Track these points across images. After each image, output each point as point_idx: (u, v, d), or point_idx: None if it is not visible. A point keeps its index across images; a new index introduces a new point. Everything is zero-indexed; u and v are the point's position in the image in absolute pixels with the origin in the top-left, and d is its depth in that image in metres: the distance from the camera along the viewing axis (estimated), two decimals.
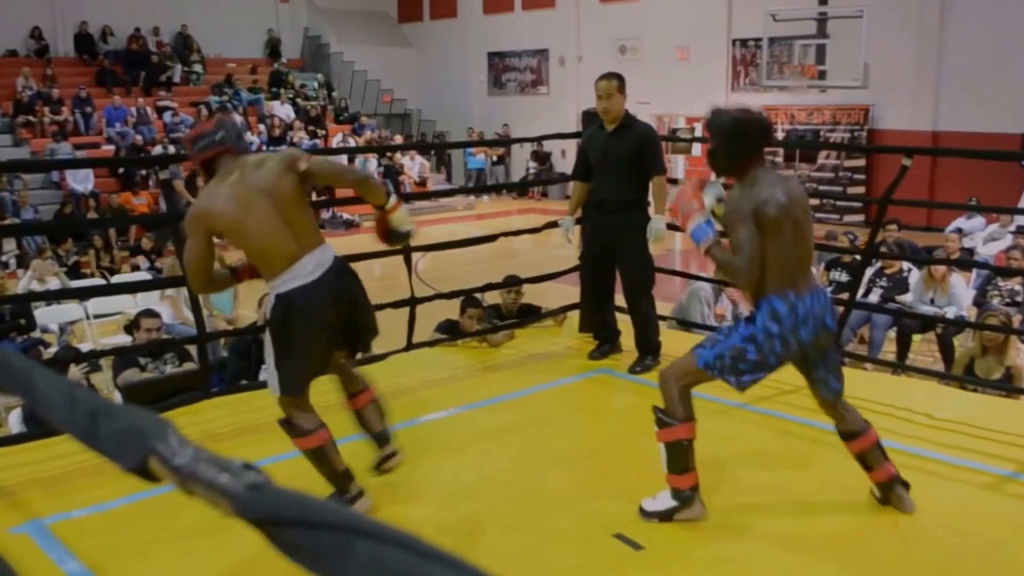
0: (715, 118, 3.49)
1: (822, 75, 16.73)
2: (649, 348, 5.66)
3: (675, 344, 5.57)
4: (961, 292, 8.01)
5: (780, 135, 18.54)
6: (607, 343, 5.96)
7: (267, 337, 3.62)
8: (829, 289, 8.12)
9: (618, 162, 5.46)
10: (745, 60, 19.31)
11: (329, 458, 3.69)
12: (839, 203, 17.60)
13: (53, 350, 7.77)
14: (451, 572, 0.71)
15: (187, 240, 3.58)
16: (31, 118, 18.43)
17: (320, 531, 0.77)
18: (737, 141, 3.44)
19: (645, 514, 3.70)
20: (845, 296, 6.42)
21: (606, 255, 5.65)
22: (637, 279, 5.60)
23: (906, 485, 3.76)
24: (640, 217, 5.53)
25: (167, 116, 19.79)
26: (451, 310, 6.47)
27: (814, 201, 17.85)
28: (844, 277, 8.32)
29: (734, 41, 19.48)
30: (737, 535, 3.64)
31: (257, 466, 0.91)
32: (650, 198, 5.56)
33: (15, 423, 5.36)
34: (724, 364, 3.50)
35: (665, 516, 3.66)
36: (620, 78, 5.53)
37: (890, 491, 3.75)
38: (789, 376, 5.50)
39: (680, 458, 3.62)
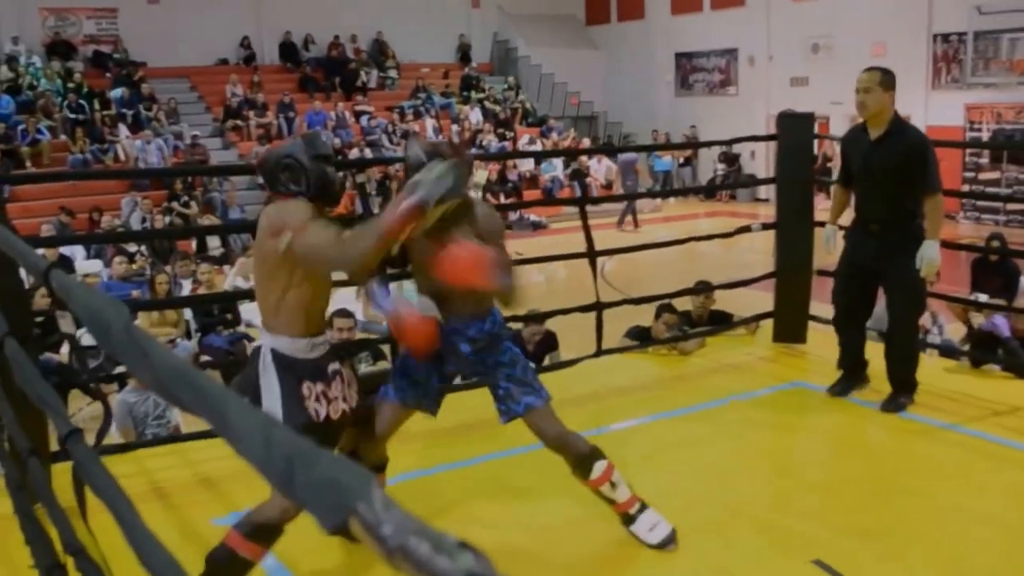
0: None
1: None
2: (905, 385, 5.03)
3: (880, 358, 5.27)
4: None
5: (985, 135, 17.46)
6: (853, 376, 5.27)
7: None
8: None
9: (884, 176, 4.76)
10: (947, 56, 18.26)
11: None
12: None
13: (256, 344, 8.14)
14: None
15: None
16: (239, 123, 19.52)
17: None
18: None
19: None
20: None
21: (868, 278, 5.00)
22: (904, 308, 4.93)
23: None
24: (912, 237, 4.81)
25: (364, 120, 20.52)
26: (638, 314, 6.36)
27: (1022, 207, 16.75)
28: None
29: (935, 36, 18.43)
30: (949, 568, 3.40)
31: (471, 545, 0.80)
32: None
33: None
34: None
35: None
36: (885, 72, 4.79)
37: None
38: (1002, 395, 5.17)
39: None
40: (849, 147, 5.06)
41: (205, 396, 1.08)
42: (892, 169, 4.73)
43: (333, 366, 3.16)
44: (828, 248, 5.33)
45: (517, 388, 3.33)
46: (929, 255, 4.75)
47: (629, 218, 18.43)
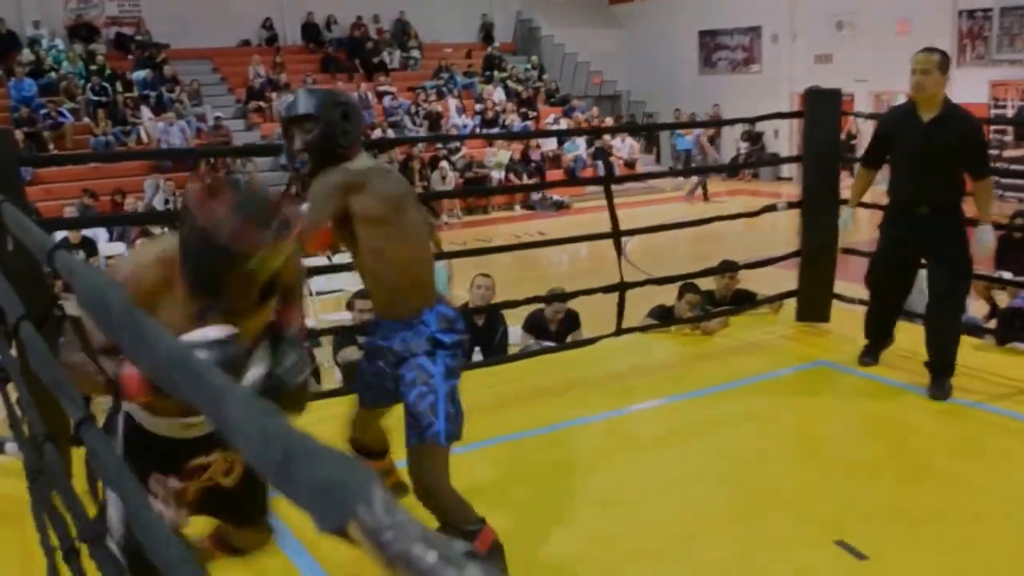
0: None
1: None
2: (947, 368, 4.89)
3: (906, 337, 5.20)
4: None
5: (1010, 112, 17.23)
6: (881, 345, 5.32)
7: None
8: None
9: (939, 160, 4.68)
10: (972, 33, 18.00)
11: None
12: None
13: None
14: None
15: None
16: (262, 104, 19.50)
17: None
18: None
19: None
20: None
21: (909, 263, 5.01)
22: (953, 290, 4.84)
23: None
24: (959, 220, 4.83)
25: (386, 100, 20.47)
26: (660, 293, 6.31)
27: None
28: None
29: (960, 12, 18.17)
30: (975, 549, 3.36)
31: (479, 554, 0.72)
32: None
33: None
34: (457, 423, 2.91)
35: None
36: (943, 54, 4.77)
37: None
38: None
39: None
40: (894, 128, 4.93)
41: (203, 384, 1.02)
42: (950, 152, 4.66)
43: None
44: (845, 230, 5.39)
45: (407, 416, 2.90)
46: (988, 239, 4.81)
47: (700, 191, 19.29)
